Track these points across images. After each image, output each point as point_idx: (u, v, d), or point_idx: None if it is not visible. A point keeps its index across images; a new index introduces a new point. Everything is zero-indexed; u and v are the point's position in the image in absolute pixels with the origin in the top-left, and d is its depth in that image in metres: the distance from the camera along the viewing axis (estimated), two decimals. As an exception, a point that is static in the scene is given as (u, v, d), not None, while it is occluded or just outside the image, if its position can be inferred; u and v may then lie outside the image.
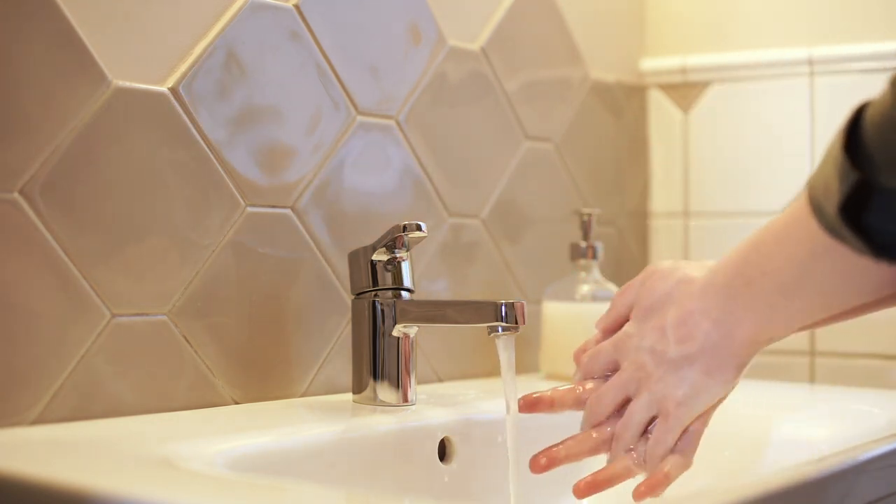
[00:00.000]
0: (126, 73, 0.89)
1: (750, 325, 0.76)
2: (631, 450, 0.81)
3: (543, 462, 0.83)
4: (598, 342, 0.86)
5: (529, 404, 0.86)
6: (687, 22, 1.47)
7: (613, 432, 0.82)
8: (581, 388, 0.85)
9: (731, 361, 0.77)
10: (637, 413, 0.81)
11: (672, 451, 0.80)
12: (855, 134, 0.64)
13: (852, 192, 0.63)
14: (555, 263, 1.30)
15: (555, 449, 0.84)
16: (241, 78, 0.97)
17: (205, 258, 0.94)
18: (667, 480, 0.80)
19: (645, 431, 0.81)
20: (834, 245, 0.67)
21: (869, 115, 0.64)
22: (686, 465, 0.81)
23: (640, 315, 0.82)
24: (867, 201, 0.64)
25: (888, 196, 0.63)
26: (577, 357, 0.87)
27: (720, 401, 0.80)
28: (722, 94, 1.43)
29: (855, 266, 0.67)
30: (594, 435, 0.83)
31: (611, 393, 0.83)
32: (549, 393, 0.85)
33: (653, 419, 0.81)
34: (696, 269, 0.81)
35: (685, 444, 0.80)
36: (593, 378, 0.85)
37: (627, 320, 0.84)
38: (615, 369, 0.84)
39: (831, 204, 0.65)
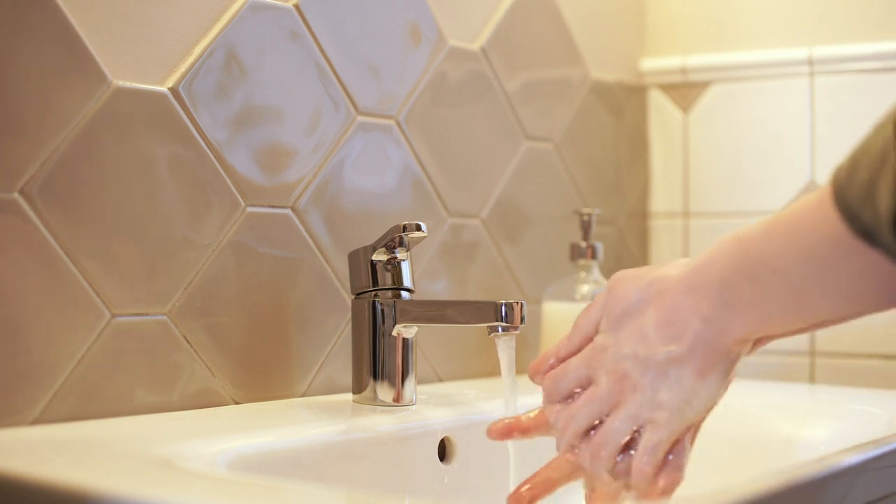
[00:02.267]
0: (126, 73, 0.89)
1: (749, 322, 0.69)
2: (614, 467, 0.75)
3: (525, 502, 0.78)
4: (559, 360, 0.78)
5: (501, 432, 0.80)
6: (687, 22, 1.47)
7: (591, 453, 0.75)
8: (552, 411, 0.77)
9: (725, 360, 0.71)
10: (618, 428, 0.73)
11: (663, 465, 0.74)
12: None
13: None
14: (555, 263, 1.30)
15: (527, 488, 0.78)
16: (241, 78, 0.97)
17: (205, 258, 0.94)
18: (662, 498, 0.74)
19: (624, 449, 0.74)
20: (863, 249, 0.63)
21: None
22: (680, 479, 0.74)
23: (612, 325, 0.74)
24: None
25: None
26: (535, 376, 0.80)
27: (711, 409, 0.73)
28: (722, 94, 1.43)
29: (883, 272, 0.64)
30: (570, 458, 0.77)
31: (585, 409, 0.75)
32: (522, 419, 0.80)
33: (632, 435, 0.74)
34: (670, 267, 0.73)
35: (677, 456, 0.74)
36: (562, 401, 0.77)
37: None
38: (586, 386, 0.76)
39: (883, 208, 0.60)
